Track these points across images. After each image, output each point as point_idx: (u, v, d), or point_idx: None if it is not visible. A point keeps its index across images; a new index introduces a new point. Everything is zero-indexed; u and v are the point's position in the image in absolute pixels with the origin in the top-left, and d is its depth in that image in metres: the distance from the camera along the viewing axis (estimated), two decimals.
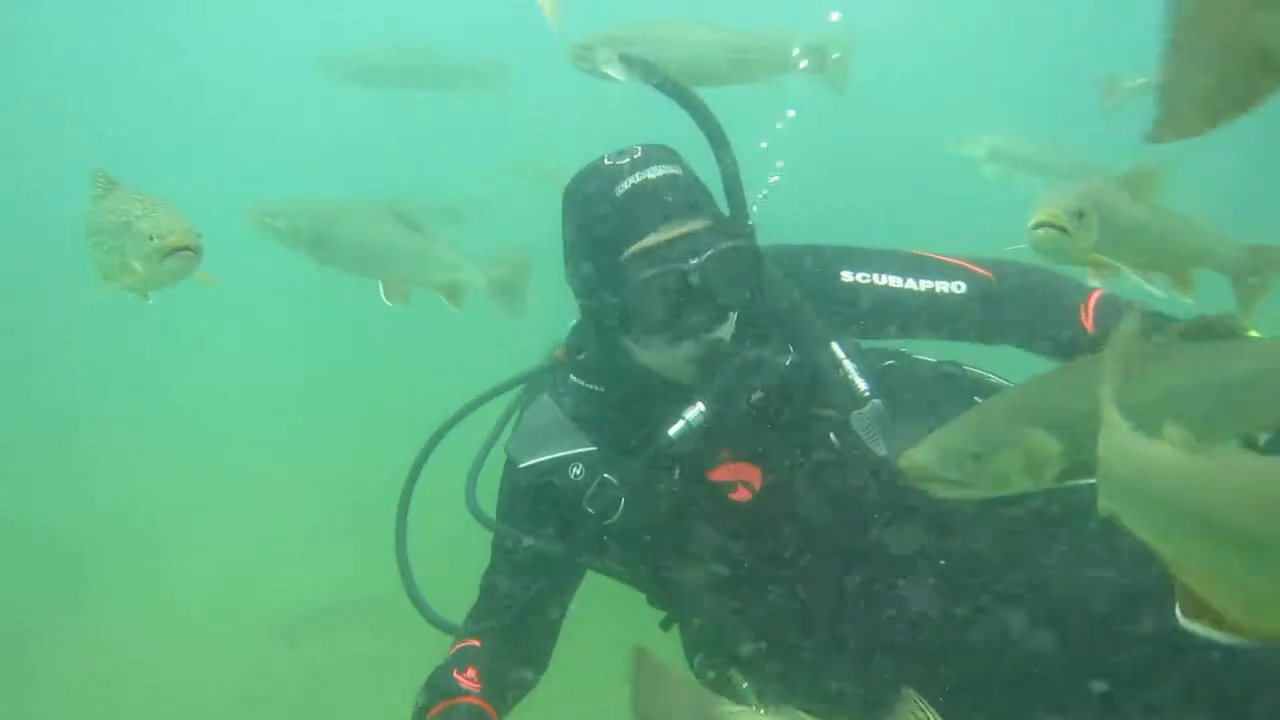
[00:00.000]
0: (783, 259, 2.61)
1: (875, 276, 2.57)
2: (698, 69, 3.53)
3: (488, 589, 2.73)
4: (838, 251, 2.64)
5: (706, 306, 2.34)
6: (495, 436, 2.79)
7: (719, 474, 2.50)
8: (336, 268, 4.66)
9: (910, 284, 2.55)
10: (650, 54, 3.26)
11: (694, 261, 2.31)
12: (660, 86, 2.62)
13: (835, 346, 2.51)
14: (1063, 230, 2.32)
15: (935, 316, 2.55)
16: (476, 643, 2.64)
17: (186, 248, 2.86)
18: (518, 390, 2.85)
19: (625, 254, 2.36)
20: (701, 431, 2.37)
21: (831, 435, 2.47)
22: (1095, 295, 2.50)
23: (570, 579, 2.73)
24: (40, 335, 12.69)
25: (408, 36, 8.86)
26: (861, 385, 2.47)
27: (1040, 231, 2.34)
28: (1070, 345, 2.47)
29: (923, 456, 1.90)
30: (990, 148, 7.34)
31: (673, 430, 2.36)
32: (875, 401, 2.45)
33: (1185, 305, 2.48)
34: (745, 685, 2.59)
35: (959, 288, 2.55)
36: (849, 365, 2.49)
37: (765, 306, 2.49)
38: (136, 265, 2.90)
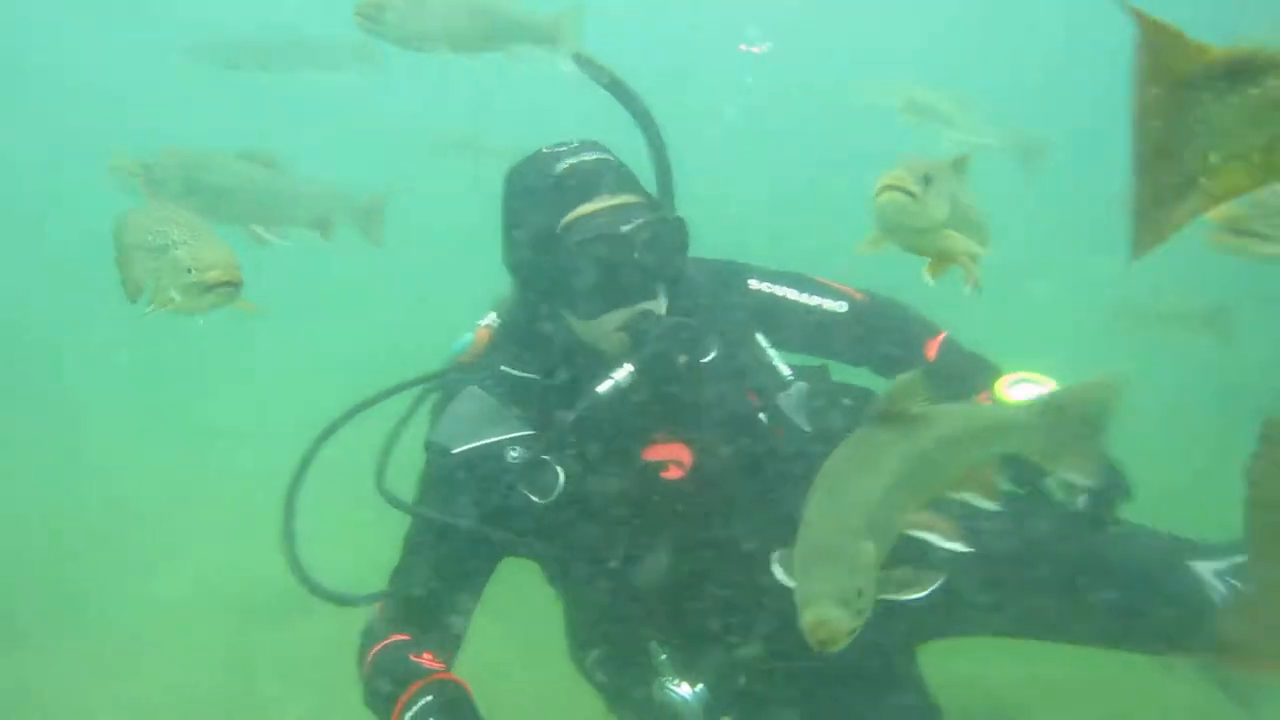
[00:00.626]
0: (701, 264, 2.77)
1: (776, 288, 2.81)
2: (456, 34, 3.79)
3: (410, 578, 2.67)
4: (743, 264, 2.87)
5: (638, 271, 2.46)
6: (400, 430, 2.78)
7: (652, 454, 2.56)
8: (205, 215, 4.25)
9: (804, 298, 2.80)
10: (413, 16, 3.51)
11: (626, 228, 2.44)
12: (607, 86, 2.74)
13: (759, 336, 2.73)
14: (910, 195, 2.24)
15: (821, 329, 2.80)
16: (408, 636, 2.57)
17: (227, 283, 2.75)
18: (413, 393, 2.84)
19: (562, 222, 2.48)
20: (630, 394, 2.46)
21: (761, 415, 2.61)
22: (941, 334, 2.79)
23: (493, 563, 2.72)
24: (25, 323, 12.31)
25: (275, 18, 8.44)
26: (785, 370, 2.70)
27: (885, 196, 2.24)
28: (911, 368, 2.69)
29: (833, 616, 1.78)
30: (901, 96, 7.43)
31: (601, 388, 2.44)
32: (799, 384, 2.68)
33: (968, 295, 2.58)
34: (664, 657, 2.61)
35: (841, 307, 2.81)
36: (772, 353, 2.71)
37: (692, 296, 2.63)
38: (174, 294, 2.80)
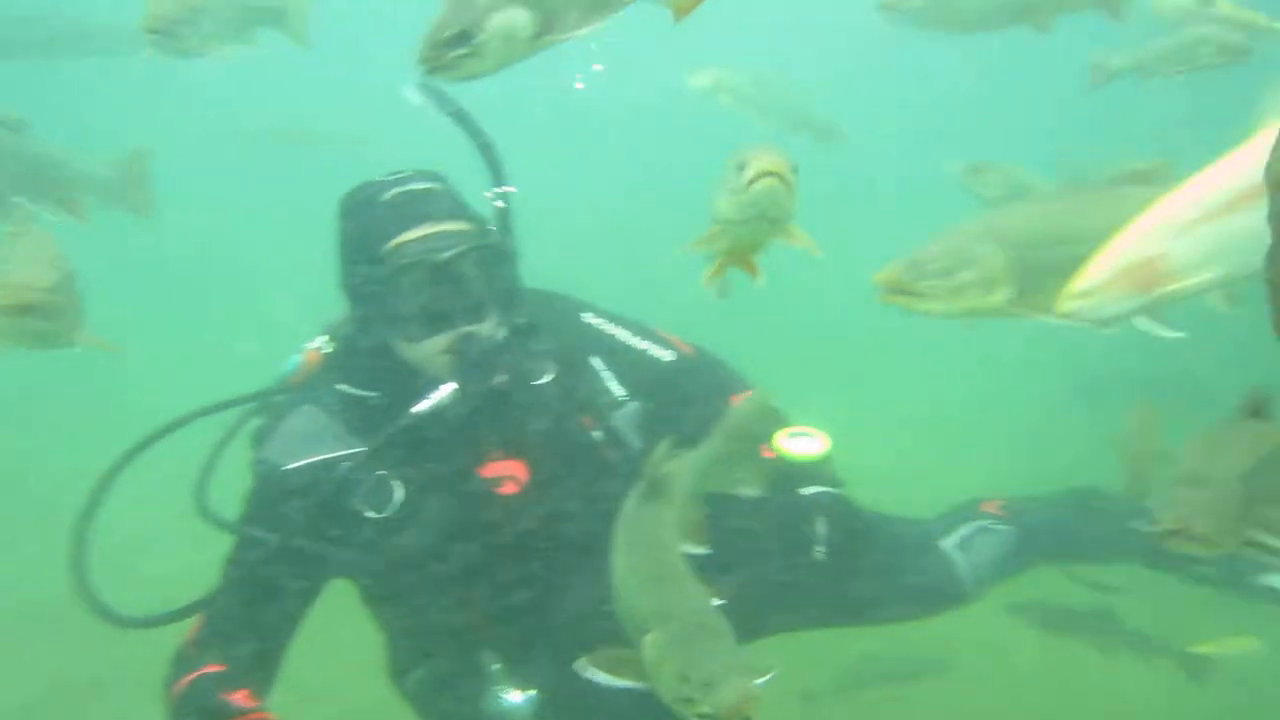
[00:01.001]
0: (535, 295, 2.85)
1: (608, 325, 2.90)
2: (226, 32, 3.81)
3: (229, 603, 2.61)
4: (580, 299, 2.98)
5: (459, 296, 2.55)
6: (221, 450, 2.76)
7: (489, 470, 2.63)
8: None
9: (634, 340, 2.89)
10: (201, 22, 3.48)
11: (446, 255, 2.52)
12: (450, 114, 2.76)
13: (594, 360, 2.82)
14: (788, 183, 2.22)
15: (642, 371, 2.85)
16: (223, 667, 2.50)
17: (13, 307, 2.57)
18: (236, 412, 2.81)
19: (384, 248, 2.54)
20: (450, 412, 2.53)
21: (595, 433, 2.73)
22: (746, 389, 2.89)
23: (319, 585, 2.70)
24: None
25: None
26: (619, 391, 2.79)
27: (765, 183, 2.18)
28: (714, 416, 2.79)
29: (754, 688, 1.78)
30: (716, 80, 7.56)
31: (420, 408, 2.51)
32: (633, 403, 2.79)
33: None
34: (496, 667, 2.63)
35: (668, 355, 2.89)
36: (607, 374, 2.81)
37: (528, 319, 2.70)
38: None
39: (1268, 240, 1.96)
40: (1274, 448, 2.13)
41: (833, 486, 2.72)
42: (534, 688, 2.62)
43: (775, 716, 1.71)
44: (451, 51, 1.91)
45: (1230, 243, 2.14)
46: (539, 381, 2.69)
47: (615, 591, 2.11)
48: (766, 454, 2.68)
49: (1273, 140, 1.96)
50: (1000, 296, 2.59)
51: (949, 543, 3.12)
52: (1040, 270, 2.56)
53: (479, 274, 2.58)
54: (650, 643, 1.87)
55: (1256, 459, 2.09)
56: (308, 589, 2.67)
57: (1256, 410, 2.10)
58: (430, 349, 2.57)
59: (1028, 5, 3.96)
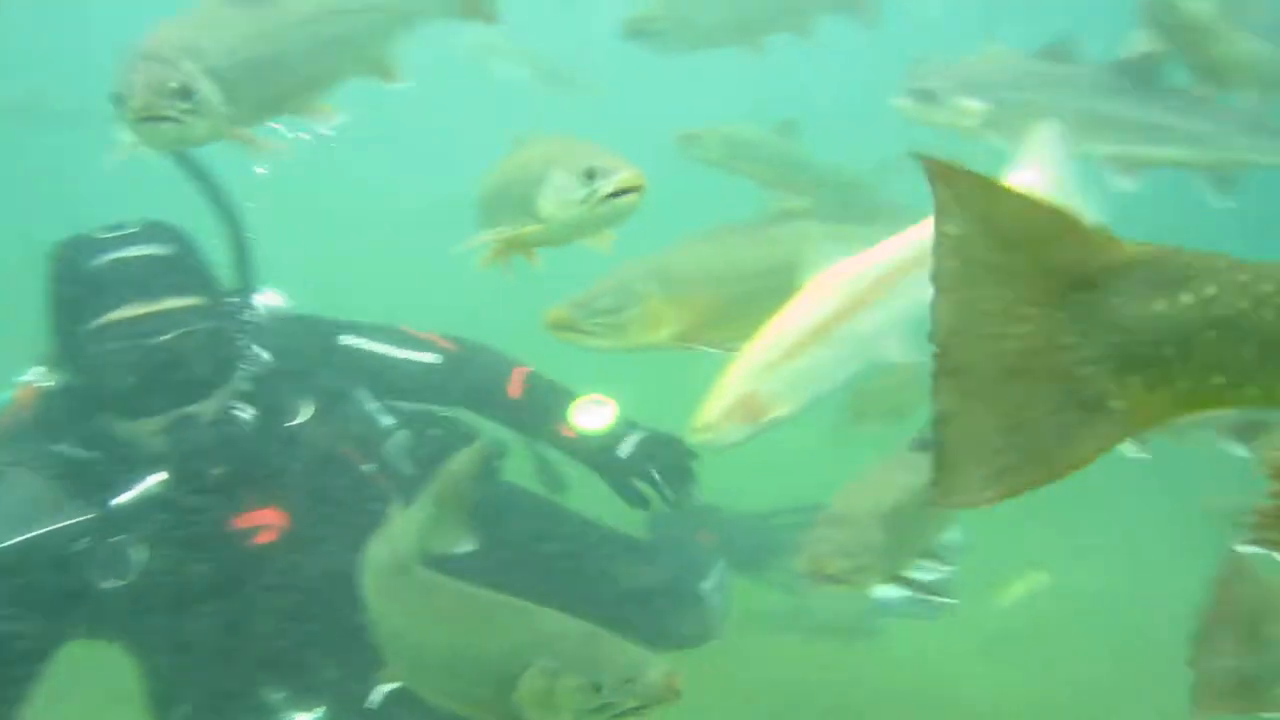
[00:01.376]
0: (287, 327, 2.74)
1: (367, 343, 2.82)
2: None
3: None
4: (334, 320, 2.88)
5: (173, 381, 2.39)
6: None
7: (243, 521, 2.52)
8: None
9: (396, 352, 2.84)
10: None
11: (160, 339, 2.36)
12: (176, 162, 2.61)
13: (357, 393, 2.77)
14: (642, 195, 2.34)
15: (415, 381, 2.84)
16: None
17: None
18: None
19: (93, 324, 2.36)
20: (161, 500, 2.40)
21: (364, 466, 2.70)
22: (523, 369, 2.89)
23: (45, 661, 2.48)
24: None
25: None
26: (386, 420, 2.78)
27: (629, 200, 2.30)
28: (499, 407, 2.88)
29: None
30: (483, 44, 8.38)
31: (122, 498, 2.38)
32: (402, 432, 2.78)
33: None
34: (281, 696, 2.57)
35: (434, 358, 2.85)
36: (372, 405, 2.77)
37: (278, 370, 2.61)
38: None
39: (829, 372, 2.38)
40: (923, 483, 2.25)
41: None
42: (321, 704, 2.57)
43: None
44: (176, 104, 1.86)
45: (802, 377, 2.42)
46: (293, 423, 2.59)
47: (445, 666, 2.08)
48: (566, 433, 2.72)
49: (821, 290, 2.38)
50: (664, 333, 2.81)
51: (706, 585, 3.39)
52: (702, 306, 2.78)
53: (201, 351, 2.42)
54: (537, 672, 1.84)
55: (904, 496, 2.21)
56: (28, 670, 2.44)
57: (924, 445, 2.19)
58: (142, 430, 2.43)
59: (750, 22, 4.03)
